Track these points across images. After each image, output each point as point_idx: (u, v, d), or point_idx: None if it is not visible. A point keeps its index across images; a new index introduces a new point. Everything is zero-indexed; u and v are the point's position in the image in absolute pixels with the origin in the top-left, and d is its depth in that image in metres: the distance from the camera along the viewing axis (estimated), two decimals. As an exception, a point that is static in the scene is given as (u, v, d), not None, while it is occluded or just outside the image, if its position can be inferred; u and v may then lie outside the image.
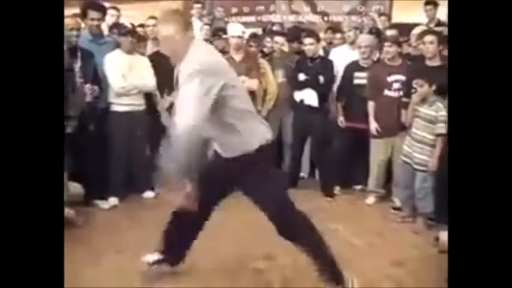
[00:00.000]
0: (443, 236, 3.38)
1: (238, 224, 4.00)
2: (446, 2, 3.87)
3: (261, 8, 8.16)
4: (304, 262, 2.95)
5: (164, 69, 4.70)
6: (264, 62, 5.20)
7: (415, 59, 4.74)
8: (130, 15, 6.23)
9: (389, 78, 4.63)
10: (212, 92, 2.50)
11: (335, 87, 5.13)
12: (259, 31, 5.74)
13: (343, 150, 5.07)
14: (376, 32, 5.62)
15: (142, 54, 4.80)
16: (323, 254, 2.86)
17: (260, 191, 2.75)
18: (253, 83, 4.92)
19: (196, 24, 5.79)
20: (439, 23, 5.84)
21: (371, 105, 4.77)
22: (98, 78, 4.31)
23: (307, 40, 5.00)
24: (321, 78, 4.94)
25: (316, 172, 5.43)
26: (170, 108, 4.78)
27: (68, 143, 3.45)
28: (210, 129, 2.66)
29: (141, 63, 4.62)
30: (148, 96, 4.72)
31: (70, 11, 4.47)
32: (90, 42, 4.47)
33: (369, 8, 7.64)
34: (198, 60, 2.57)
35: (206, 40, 5.43)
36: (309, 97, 4.97)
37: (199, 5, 7.00)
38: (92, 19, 4.51)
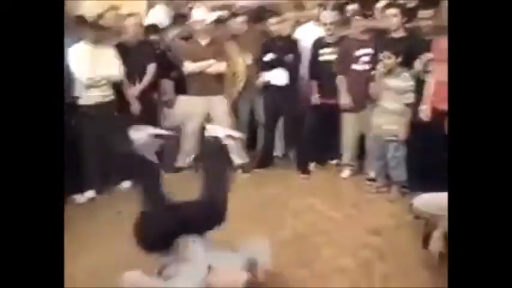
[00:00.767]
0: (417, 201, 3.46)
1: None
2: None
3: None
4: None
5: (131, 58, 4.71)
6: (230, 45, 5.19)
7: (381, 32, 4.79)
8: (89, 6, 6.10)
9: (358, 53, 4.67)
10: None
11: (303, 65, 5.14)
12: (224, 14, 5.69)
13: (316, 127, 5.12)
14: (339, 8, 5.64)
15: (108, 45, 4.72)
16: None
17: None
18: (221, 66, 4.92)
19: (159, 9, 5.71)
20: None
21: (341, 80, 4.81)
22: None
23: (272, 20, 5.00)
24: (288, 57, 4.95)
25: (291, 150, 5.48)
26: (140, 97, 4.77)
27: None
28: None
29: (106, 54, 4.56)
30: (116, 87, 4.66)
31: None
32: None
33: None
34: None
35: (170, 26, 5.40)
36: (277, 76, 4.98)
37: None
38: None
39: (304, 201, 4.30)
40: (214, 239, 2.80)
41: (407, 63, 4.19)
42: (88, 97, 4.41)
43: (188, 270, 2.46)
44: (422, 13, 4.09)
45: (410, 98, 4.09)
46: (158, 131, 3.15)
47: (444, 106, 3.75)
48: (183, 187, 4.72)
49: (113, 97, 4.60)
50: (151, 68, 4.85)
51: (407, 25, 4.54)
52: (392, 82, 4.16)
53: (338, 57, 4.83)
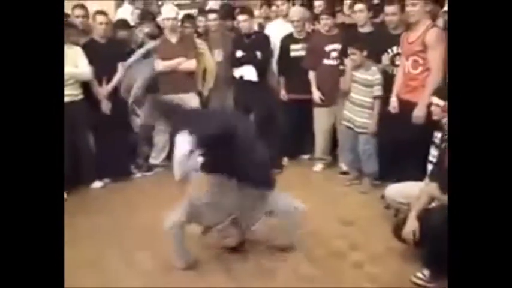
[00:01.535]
0: (388, 192, 3.54)
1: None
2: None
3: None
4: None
5: (100, 57, 4.65)
6: (201, 42, 5.18)
7: (349, 27, 4.86)
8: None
9: (327, 48, 4.73)
10: None
11: (273, 61, 5.18)
12: (193, 12, 5.68)
13: (287, 122, 5.16)
14: (307, 4, 5.70)
15: (76, 44, 4.67)
16: None
17: None
18: (191, 64, 4.91)
19: (127, 8, 5.67)
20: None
21: (312, 75, 4.86)
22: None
23: (241, 17, 5.01)
24: (258, 54, 4.96)
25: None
26: (110, 96, 4.72)
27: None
28: None
29: (74, 53, 4.50)
30: (85, 85, 4.61)
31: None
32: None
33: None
34: None
35: (138, 24, 5.36)
36: (248, 73, 4.99)
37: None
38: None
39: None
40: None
41: (375, 57, 4.27)
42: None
43: None
44: (388, 9, 4.17)
45: (378, 91, 4.17)
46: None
47: (412, 98, 3.86)
48: (157, 185, 4.75)
49: (81, 96, 4.54)
50: (121, 67, 4.80)
51: (375, 20, 4.63)
52: (361, 75, 4.23)
53: (307, 53, 4.88)
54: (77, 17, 4.89)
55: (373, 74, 4.18)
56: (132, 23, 5.34)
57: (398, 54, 4.13)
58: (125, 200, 4.43)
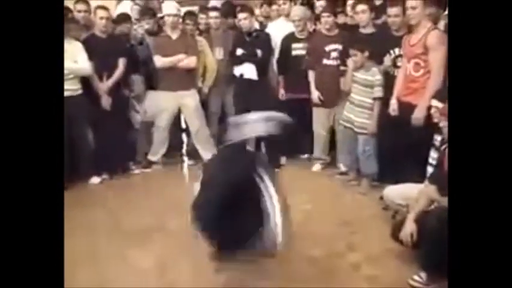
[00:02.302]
0: (387, 193, 3.54)
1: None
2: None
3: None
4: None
5: (101, 52, 4.64)
6: (201, 40, 5.17)
7: (351, 28, 4.86)
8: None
9: (327, 48, 4.73)
10: None
11: (274, 60, 5.17)
12: (194, 9, 5.67)
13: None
14: (308, 3, 5.69)
15: (77, 39, 4.65)
16: None
17: None
18: (191, 61, 4.90)
19: (127, 4, 5.65)
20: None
21: (311, 75, 4.86)
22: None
23: (241, 15, 5.01)
24: (259, 52, 4.96)
25: (262, 144, 5.49)
26: (110, 91, 4.71)
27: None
28: None
29: (74, 48, 4.48)
30: (85, 81, 4.59)
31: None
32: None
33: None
34: None
35: (137, 20, 5.35)
36: (248, 71, 4.99)
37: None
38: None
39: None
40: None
41: (377, 58, 4.26)
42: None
43: None
44: (391, 10, 4.16)
45: (378, 92, 4.16)
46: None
47: (412, 100, 3.86)
48: (155, 182, 4.74)
49: (81, 91, 4.53)
50: (122, 63, 4.79)
51: (377, 21, 4.63)
52: (362, 76, 4.23)
53: (307, 53, 4.88)
54: (79, 11, 4.87)
55: (373, 75, 4.18)
56: (132, 18, 5.33)
57: (400, 55, 4.13)
58: (122, 196, 4.42)
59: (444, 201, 2.60)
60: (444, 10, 4.26)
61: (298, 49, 4.98)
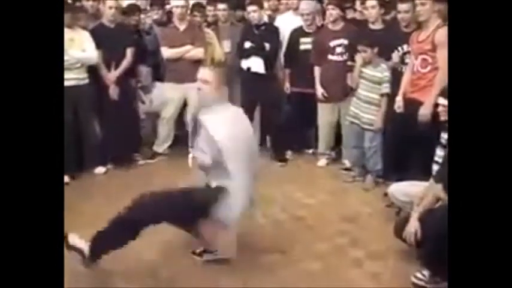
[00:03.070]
0: (391, 190, 3.52)
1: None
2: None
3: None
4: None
5: (109, 42, 4.64)
6: (209, 32, 5.16)
7: (360, 24, 4.83)
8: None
9: (332, 43, 4.70)
10: None
11: (282, 54, 5.16)
12: (202, 0, 5.65)
13: (293, 116, 5.14)
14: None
15: (84, 28, 4.65)
16: None
17: None
18: (198, 52, 4.89)
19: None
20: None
21: (317, 70, 4.84)
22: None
23: (251, 7, 4.98)
24: (267, 45, 4.95)
25: (268, 138, 5.50)
26: (118, 81, 4.71)
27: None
28: None
29: (82, 37, 4.49)
30: (92, 70, 4.59)
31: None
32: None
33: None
34: None
35: (145, 10, 5.34)
36: (255, 64, 4.98)
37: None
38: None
39: (280, 189, 4.33)
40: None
41: (385, 54, 4.24)
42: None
43: None
44: (401, 6, 4.13)
45: (386, 88, 4.15)
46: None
47: (419, 97, 3.84)
48: (159, 173, 4.74)
49: (87, 81, 4.54)
50: (130, 53, 4.78)
51: (386, 17, 4.60)
52: (370, 72, 4.21)
53: (313, 47, 4.86)
54: (88, 0, 4.87)
55: (382, 71, 4.16)
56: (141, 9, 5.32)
57: (408, 52, 4.10)
58: (126, 187, 4.42)
59: (449, 199, 2.59)
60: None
61: (306, 43, 4.96)
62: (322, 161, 5.02)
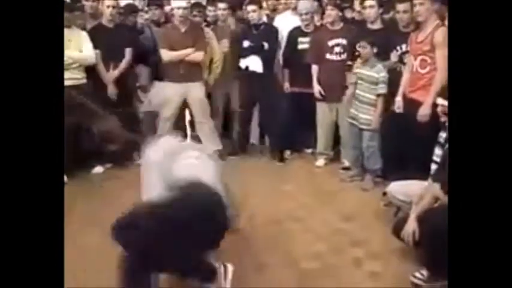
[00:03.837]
0: (390, 190, 3.53)
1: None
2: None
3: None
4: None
5: (107, 42, 4.63)
6: (208, 31, 5.16)
7: (358, 23, 4.84)
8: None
9: (330, 42, 4.71)
10: None
11: (280, 53, 5.16)
12: (202, 0, 5.65)
13: (291, 115, 5.15)
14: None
15: (83, 28, 4.65)
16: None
17: None
18: (198, 56, 4.87)
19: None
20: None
21: (314, 69, 4.85)
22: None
23: (250, 7, 4.99)
24: (266, 45, 4.95)
25: (266, 138, 5.51)
26: (117, 81, 4.71)
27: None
28: None
29: (79, 37, 4.49)
30: (90, 70, 4.59)
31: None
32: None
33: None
34: None
35: (142, 10, 5.33)
36: (254, 64, 4.99)
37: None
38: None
39: (278, 188, 4.34)
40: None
41: (384, 54, 4.25)
42: (60, 79, 4.34)
43: None
44: (399, 6, 4.14)
45: (382, 88, 4.15)
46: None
47: (418, 97, 3.85)
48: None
49: (85, 81, 4.53)
50: (128, 53, 4.78)
51: (385, 17, 4.61)
52: (367, 73, 4.22)
53: (310, 47, 4.87)
54: (87, 0, 4.87)
55: (378, 72, 4.16)
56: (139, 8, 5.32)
57: (407, 52, 4.11)
58: (125, 186, 4.42)
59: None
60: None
61: (304, 43, 4.97)
62: (320, 161, 5.03)
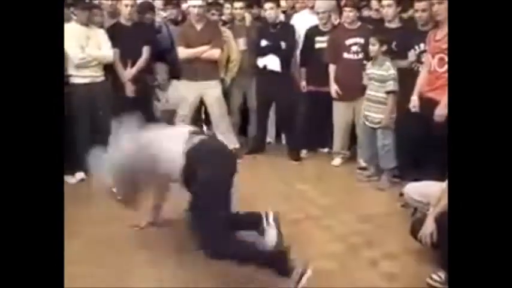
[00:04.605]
0: (407, 190, 3.50)
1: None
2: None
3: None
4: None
5: (125, 40, 4.67)
6: (225, 30, 5.17)
7: (376, 22, 4.80)
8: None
9: (348, 42, 4.69)
10: None
11: (298, 52, 5.15)
12: (219, -1, 5.66)
13: (308, 114, 5.13)
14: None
15: (100, 26, 4.69)
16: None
17: None
18: (214, 53, 4.88)
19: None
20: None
21: (332, 69, 4.83)
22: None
23: (268, 5, 4.98)
24: (283, 44, 4.95)
25: (283, 137, 5.50)
26: (134, 79, 4.75)
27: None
28: None
29: (98, 35, 4.53)
30: (108, 67, 4.63)
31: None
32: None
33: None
34: None
35: (160, 9, 5.35)
36: (271, 63, 4.98)
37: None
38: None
39: (295, 188, 4.33)
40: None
41: (402, 53, 4.21)
42: (79, 77, 4.38)
43: None
44: (418, 5, 4.10)
45: (391, 85, 4.11)
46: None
47: (435, 96, 3.81)
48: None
49: (103, 78, 4.58)
50: (146, 51, 4.82)
51: (403, 15, 4.56)
52: (377, 72, 4.19)
53: (328, 46, 4.85)
54: (104, -1, 4.92)
55: (387, 70, 4.13)
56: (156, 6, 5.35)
57: (425, 51, 4.07)
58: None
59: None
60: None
61: (321, 42, 4.95)
62: (337, 160, 5.01)
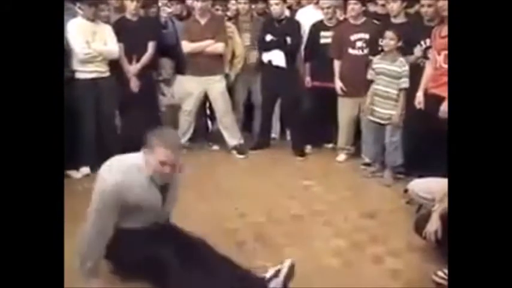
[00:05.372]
0: (412, 186, 3.49)
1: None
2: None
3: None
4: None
5: (131, 35, 4.67)
6: (230, 25, 5.16)
7: (381, 17, 4.78)
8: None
9: (353, 37, 4.67)
10: None
11: (303, 48, 5.13)
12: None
13: (313, 110, 5.13)
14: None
15: (106, 21, 4.69)
16: None
17: None
18: (219, 47, 4.88)
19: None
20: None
21: (337, 64, 4.82)
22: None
23: (273, 0, 4.96)
24: (288, 39, 4.93)
25: (287, 132, 5.49)
26: (139, 74, 4.75)
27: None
28: None
29: (104, 31, 4.52)
30: (113, 63, 4.63)
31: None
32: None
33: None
34: None
35: (164, 4, 5.35)
36: (276, 58, 4.97)
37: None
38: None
39: (299, 183, 4.33)
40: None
41: (408, 48, 4.19)
42: (85, 72, 4.39)
43: None
44: (424, 0, 4.08)
45: (405, 83, 4.11)
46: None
47: (441, 92, 3.79)
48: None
49: (108, 73, 4.57)
50: (151, 46, 4.81)
51: (409, 10, 4.54)
52: (388, 67, 4.17)
53: (332, 41, 4.83)
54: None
55: (401, 66, 4.12)
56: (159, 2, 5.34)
57: (431, 47, 4.05)
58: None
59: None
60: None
61: (326, 37, 4.93)
62: (341, 156, 5.00)
